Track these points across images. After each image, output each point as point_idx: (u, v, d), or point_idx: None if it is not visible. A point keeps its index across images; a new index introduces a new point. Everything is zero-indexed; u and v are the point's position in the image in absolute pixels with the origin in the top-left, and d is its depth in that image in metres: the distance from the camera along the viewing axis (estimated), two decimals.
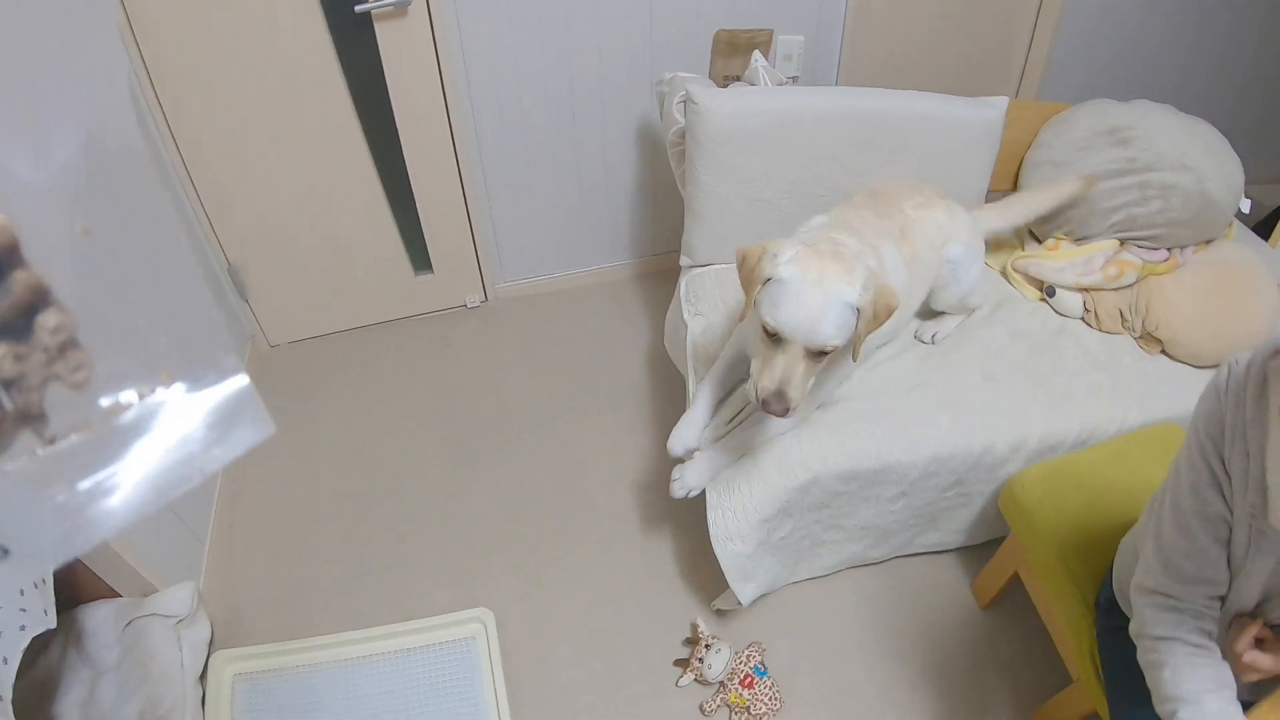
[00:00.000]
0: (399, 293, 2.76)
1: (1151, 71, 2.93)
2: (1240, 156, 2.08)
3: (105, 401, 0.40)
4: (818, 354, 1.45)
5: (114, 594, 1.84)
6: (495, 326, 2.84)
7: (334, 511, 2.25)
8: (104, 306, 0.39)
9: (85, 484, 0.39)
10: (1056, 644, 1.70)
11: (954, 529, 1.96)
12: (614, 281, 2.99)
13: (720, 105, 1.91)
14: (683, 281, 2.15)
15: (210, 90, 2.11)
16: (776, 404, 1.44)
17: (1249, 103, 3.11)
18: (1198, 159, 2.01)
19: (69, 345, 0.38)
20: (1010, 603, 1.96)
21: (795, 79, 2.49)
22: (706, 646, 1.82)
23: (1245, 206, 2.15)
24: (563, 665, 1.91)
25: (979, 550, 2.05)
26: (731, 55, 2.28)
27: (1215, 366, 1.99)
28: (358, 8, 2.02)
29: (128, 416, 0.40)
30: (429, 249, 2.67)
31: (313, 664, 1.93)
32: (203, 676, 1.89)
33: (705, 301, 2.06)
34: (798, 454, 1.73)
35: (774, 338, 1.45)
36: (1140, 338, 2.05)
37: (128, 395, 0.40)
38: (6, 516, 0.38)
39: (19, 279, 0.36)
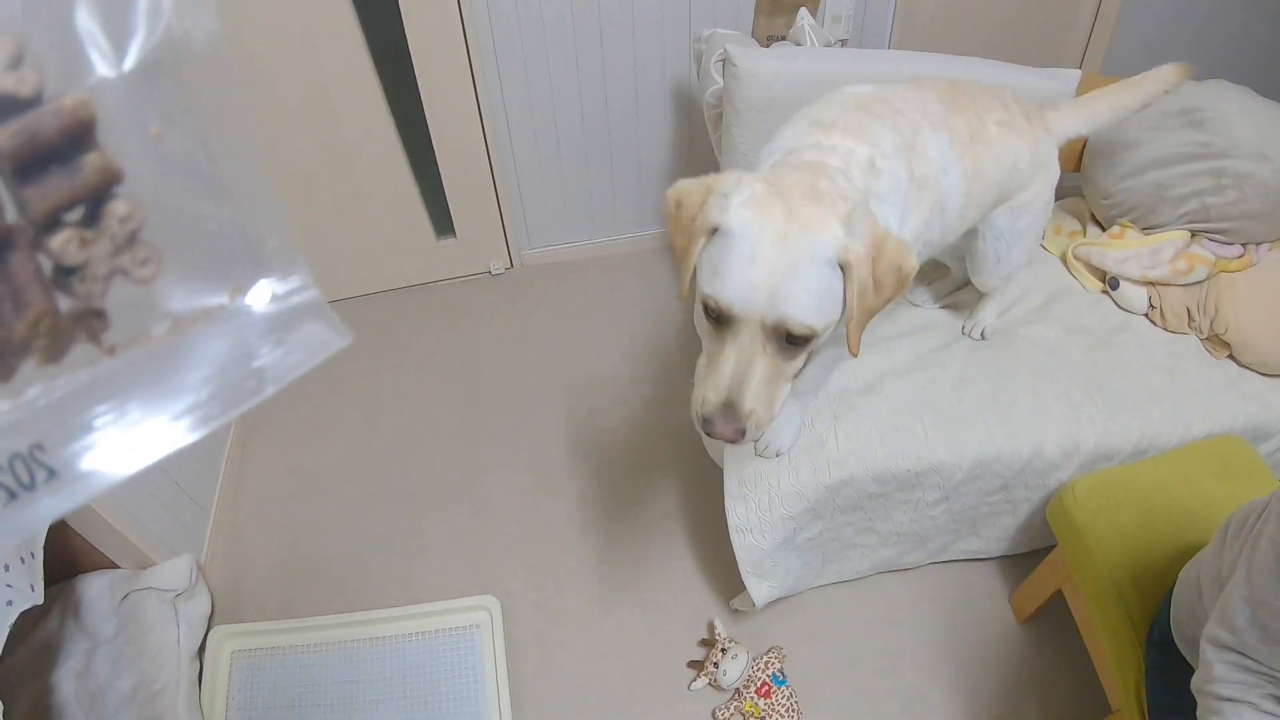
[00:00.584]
0: (420, 257, 2.65)
1: (1231, 48, 2.71)
2: None
3: (172, 308, 0.38)
4: (786, 345, 1.04)
5: (111, 565, 1.79)
6: (520, 295, 2.72)
7: (344, 485, 2.16)
8: (174, 211, 0.37)
9: (145, 398, 0.37)
10: (1098, 670, 1.58)
11: (996, 536, 1.84)
12: (644, 252, 2.86)
13: (762, 68, 1.75)
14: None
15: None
16: (723, 423, 1.03)
17: None
18: (1278, 147, 1.84)
19: (137, 237, 0.36)
20: (1050, 618, 1.83)
21: (844, 42, 2.31)
22: (723, 650, 1.72)
23: None
24: (572, 660, 1.82)
25: (1020, 560, 1.92)
26: (776, 13, 2.12)
27: None
28: None
29: (194, 328, 0.39)
30: (451, 212, 2.55)
31: (313, 644, 1.87)
32: (201, 651, 1.83)
33: None
34: (833, 449, 1.60)
35: (721, 321, 1.04)
36: (1207, 339, 1.90)
37: (195, 304, 0.39)
38: (58, 434, 0.35)
39: (91, 160, 0.34)
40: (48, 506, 0.34)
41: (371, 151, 2.31)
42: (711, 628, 1.78)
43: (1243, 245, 1.92)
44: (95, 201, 0.35)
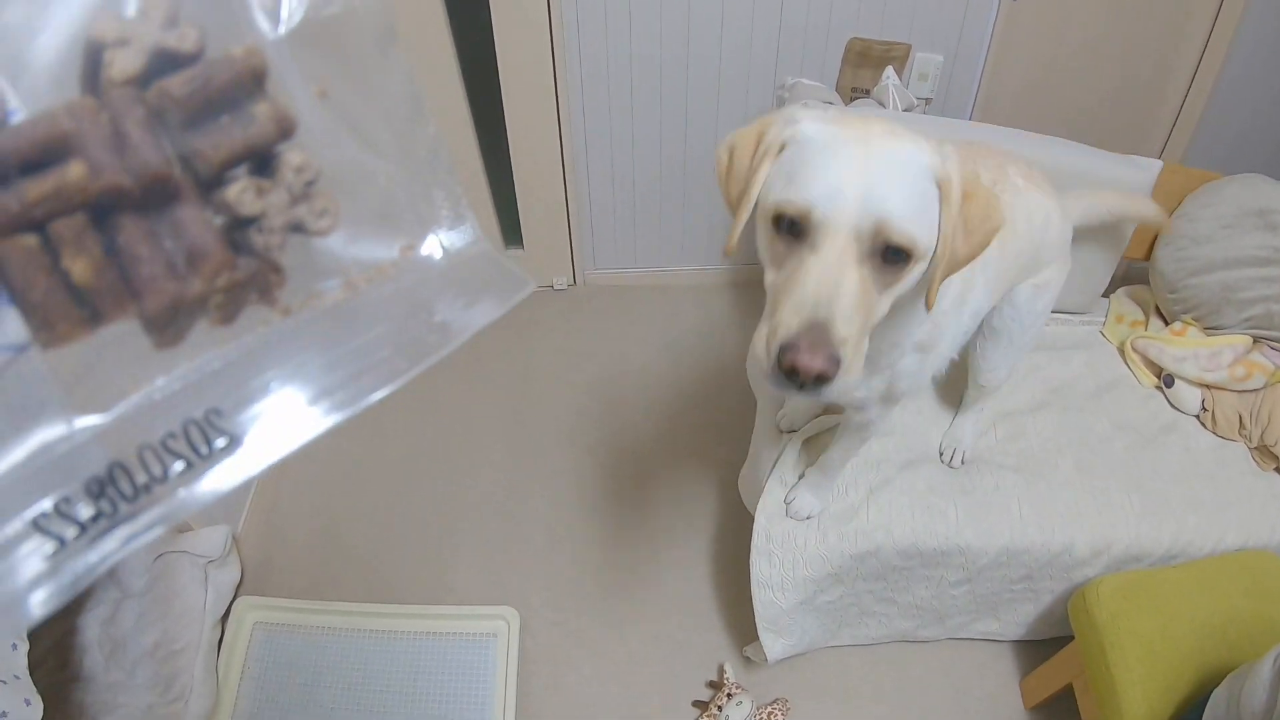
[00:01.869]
0: None
1: None
2: None
3: (345, 265, 0.37)
4: (882, 264, 0.85)
5: None
6: (580, 314, 2.74)
7: (386, 480, 2.21)
8: (342, 166, 0.37)
9: (324, 358, 0.36)
10: None
11: (1015, 621, 1.84)
12: (706, 285, 2.87)
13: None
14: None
15: None
16: (809, 350, 0.80)
17: None
18: None
19: (313, 188, 0.36)
20: (1059, 708, 1.82)
21: (928, 101, 2.30)
22: (729, 695, 1.74)
23: None
24: (581, 682, 1.85)
25: (1037, 645, 1.91)
26: (862, 66, 2.12)
27: None
28: None
29: (368, 285, 0.38)
30: (521, 223, 2.59)
31: (333, 627, 1.92)
32: (225, 619, 1.89)
33: None
34: (863, 519, 1.61)
35: (796, 232, 0.85)
36: (1256, 448, 1.87)
37: (368, 260, 0.38)
38: (234, 399, 0.34)
39: (264, 110, 0.34)
40: (225, 476, 0.33)
41: (451, 153, 2.34)
42: (721, 671, 1.81)
43: None
44: (266, 156, 0.35)
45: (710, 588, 2.02)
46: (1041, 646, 1.89)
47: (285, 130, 0.35)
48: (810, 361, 0.80)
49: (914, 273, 0.88)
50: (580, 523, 2.14)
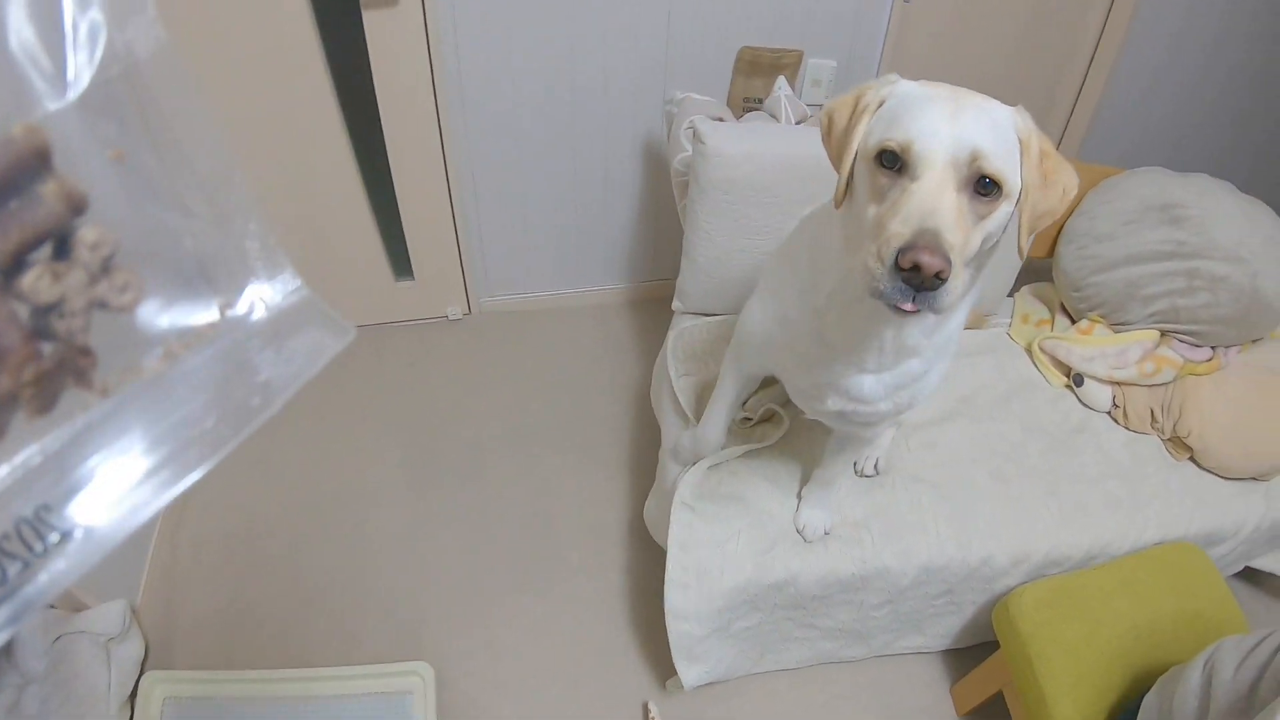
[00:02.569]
0: (377, 298, 2.59)
1: (1204, 137, 2.67)
2: None
3: (161, 334, 0.36)
4: (975, 195, 0.91)
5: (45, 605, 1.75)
6: (476, 342, 2.66)
7: (287, 528, 2.11)
8: (146, 230, 0.36)
9: (148, 435, 0.35)
10: None
11: (939, 634, 1.81)
12: (605, 305, 2.81)
13: (730, 147, 1.69)
14: (672, 334, 1.96)
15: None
16: (930, 252, 0.85)
17: None
18: (1254, 250, 1.80)
19: (112, 263, 0.34)
20: (992, 711, 1.80)
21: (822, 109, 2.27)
22: None
23: None
24: None
25: (964, 652, 1.90)
26: (753, 76, 2.08)
27: (1244, 480, 1.83)
28: None
29: (188, 351, 0.37)
30: (410, 254, 2.49)
31: (245, 696, 1.82)
32: (133, 695, 1.79)
33: (696, 361, 1.87)
34: (780, 549, 1.57)
35: (897, 167, 0.92)
36: (1169, 440, 1.87)
37: (185, 325, 0.37)
38: (61, 490, 0.33)
39: (50, 190, 0.33)
40: (62, 571, 0.32)
41: (331, 185, 2.24)
42: (646, 710, 1.76)
43: (1211, 348, 1.90)
44: (62, 233, 0.33)
45: (628, 626, 1.96)
46: (969, 652, 1.88)
47: (76, 207, 0.33)
48: (931, 258, 0.85)
49: (1001, 210, 0.94)
50: (490, 564, 2.06)
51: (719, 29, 2.10)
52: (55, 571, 0.32)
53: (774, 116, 1.93)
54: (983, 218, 0.93)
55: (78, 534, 0.33)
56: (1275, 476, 1.83)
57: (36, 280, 0.32)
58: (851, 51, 2.21)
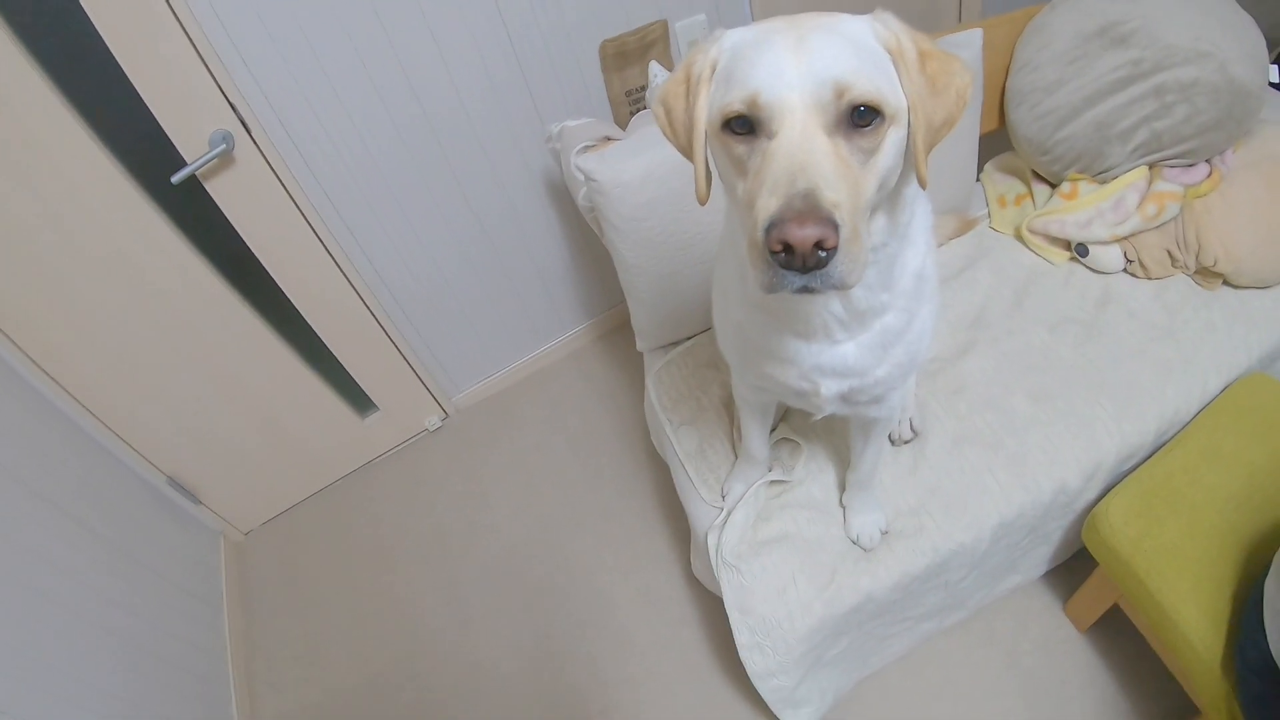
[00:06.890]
0: (351, 442, 2.45)
1: None
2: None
3: None
4: (853, 127, 0.76)
5: None
6: (464, 444, 2.52)
7: (354, 711, 1.99)
8: None
9: None
10: (1180, 682, 1.47)
11: (1033, 564, 1.70)
12: (577, 350, 2.66)
13: (628, 174, 1.50)
14: (649, 382, 1.80)
15: (69, 324, 1.79)
16: (797, 222, 0.70)
17: None
18: (1214, 40, 1.59)
19: None
20: (1113, 620, 1.68)
21: None
22: None
23: (1273, 74, 1.75)
24: None
25: (1064, 568, 1.78)
26: (625, 66, 1.87)
27: None
28: (175, 179, 1.64)
29: None
30: (364, 388, 2.34)
31: None
32: None
33: (685, 404, 1.72)
34: (842, 575, 1.44)
35: (750, 128, 0.78)
36: (1196, 274, 1.71)
37: None
38: None
39: None
40: None
41: (259, 364, 2.10)
42: None
43: (1207, 162, 1.71)
44: None
45: (722, 676, 1.83)
46: (1069, 565, 1.76)
47: None
48: (801, 230, 0.70)
49: (890, 138, 0.79)
50: (555, 682, 1.91)
51: (566, 31, 1.87)
52: None
53: None
54: (870, 154, 0.78)
55: None
56: None
57: None
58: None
